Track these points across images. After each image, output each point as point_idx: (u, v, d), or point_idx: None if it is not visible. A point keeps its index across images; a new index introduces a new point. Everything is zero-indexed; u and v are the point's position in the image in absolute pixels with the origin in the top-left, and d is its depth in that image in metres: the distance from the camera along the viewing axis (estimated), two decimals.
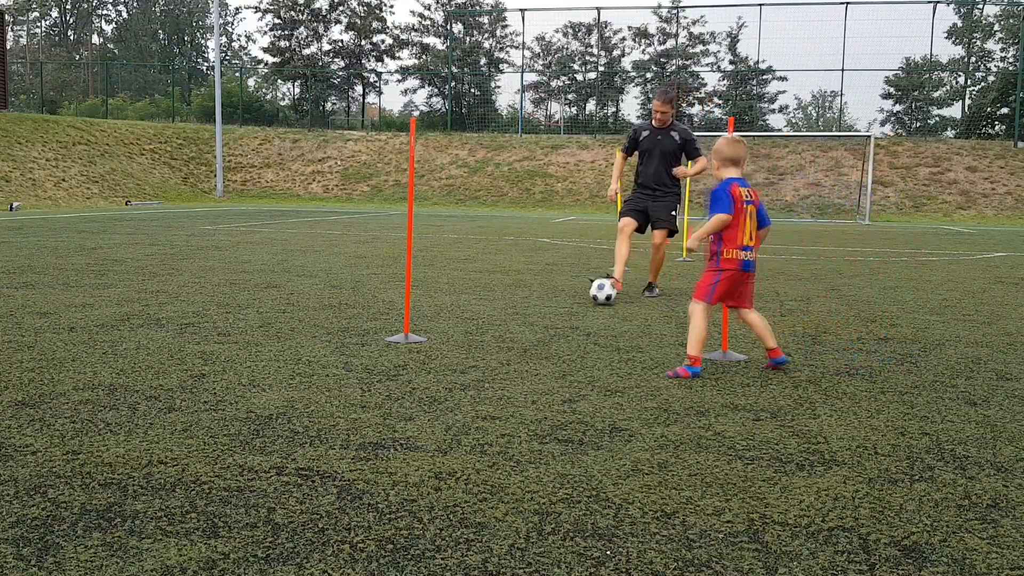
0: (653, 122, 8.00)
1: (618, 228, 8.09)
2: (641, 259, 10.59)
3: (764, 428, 3.59)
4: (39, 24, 77.33)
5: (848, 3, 34.08)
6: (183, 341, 5.17)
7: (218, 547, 2.34)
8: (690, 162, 8.23)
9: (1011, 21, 40.83)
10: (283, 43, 50.43)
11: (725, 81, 42.81)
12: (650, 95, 42.82)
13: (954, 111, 42.17)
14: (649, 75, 43.47)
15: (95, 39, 77.37)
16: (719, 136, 7.60)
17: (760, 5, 35.70)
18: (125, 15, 76.78)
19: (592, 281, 7.08)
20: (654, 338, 5.66)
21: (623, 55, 45.86)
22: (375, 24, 49.54)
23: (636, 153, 8.17)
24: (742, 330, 6.01)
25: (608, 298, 6.98)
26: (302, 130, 39.55)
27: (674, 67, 43.61)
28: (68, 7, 76.07)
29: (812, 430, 3.58)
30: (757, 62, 40.60)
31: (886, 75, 42.43)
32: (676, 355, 5.09)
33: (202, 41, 76.72)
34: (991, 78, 40.67)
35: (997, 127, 38.38)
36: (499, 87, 46.31)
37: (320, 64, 49.26)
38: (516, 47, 47.10)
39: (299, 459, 3.07)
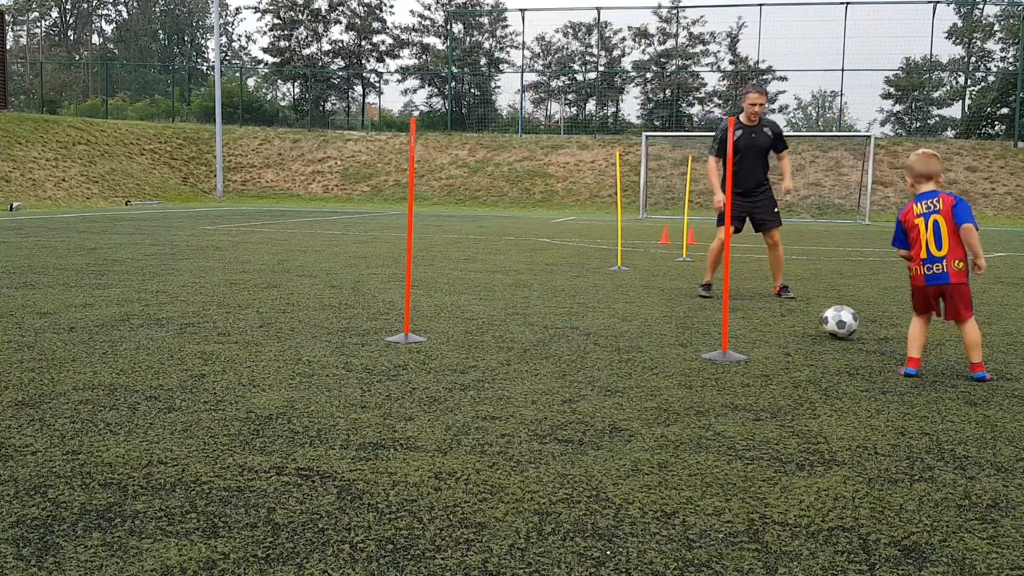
0: (743, 118, 7.66)
1: (718, 236, 7.78)
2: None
3: (764, 428, 3.59)
4: (39, 24, 77.34)
5: (848, 3, 34.08)
6: (183, 341, 5.16)
7: (218, 547, 2.34)
8: (778, 158, 7.94)
9: (1011, 21, 40.83)
10: (283, 43, 50.45)
11: (725, 81, 42.81)
12: (650, 95, 42.85)
13: (954, 111, 42.23)
14: (649, 75, 43.46)
15: (95, 39, 77.40)
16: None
17: (760, 5, 35.69)
18: (125, 15, 76.79)
19: (830, 319, 5.79)
20: (654, 338, 5.65)
21: (623, 55, 45.91)
22: (375, 24, 49.55)
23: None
24: (742, 330, 6.01)
25: (851, 333, 5.79)
26: (302, 130, 39.56)
27: (674, 67, 43.61)
28: (68, 7, 76.06)
29: (812, 430, 3.58)
30: (757, 62, 40.60)
31: (886, 75, 42.50)
32: (676, 355, 5.09)
33: (202, 41, 76.74)
34: (991, 78, 40.68)
35: (997, 127, 38.38)
36: (499, 87, 46.36)
37: (320, 64, 49.27)
38: (516, 47, 47.14)
39: (299, 459, 3.07)
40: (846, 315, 5.73)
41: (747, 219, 7.86)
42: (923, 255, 4.64)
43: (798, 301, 7.59)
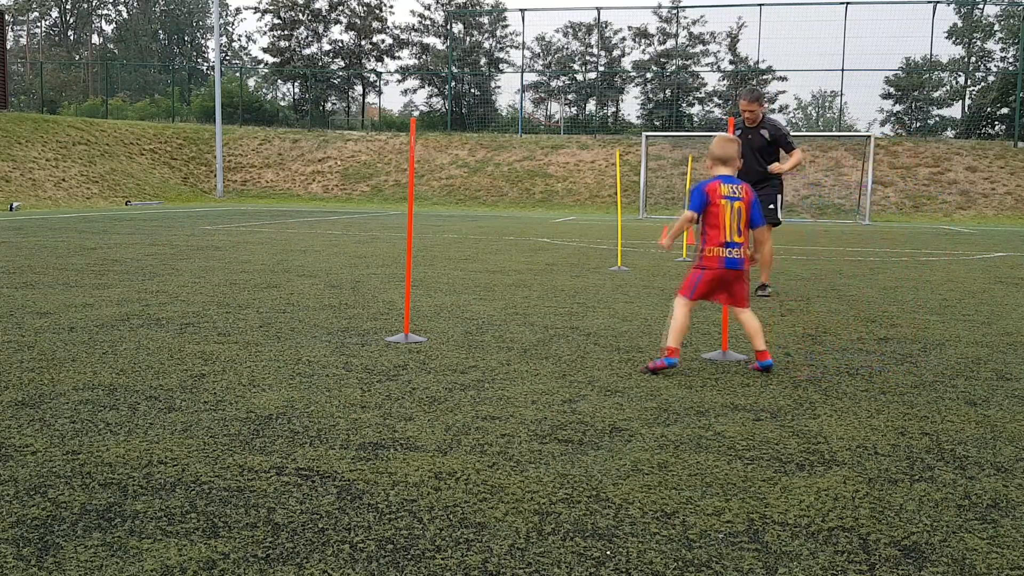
0: (745, 121, 7.93)
1: (769, 240, 7.98)
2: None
3: (764, 428, 3.59)
4: (39, 24, 77.35)
5: (848, 3, 34.08)
6: (183, 341, 5.17)
7: (218, 547, 2.34)
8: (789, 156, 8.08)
9: (1011, 21, 40.84)
10: (283, 43, 50.44)
11: (725, 81, 42.80)
12: (650, 95, 42.85)
13: (954, 111, 42.21)
14: (649, 75, 43.46)
15: (95, 39, 77.39)
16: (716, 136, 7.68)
17: (760, 5, 35.69)
18: (125, 15, 76.79)
19: None
20: (654, 338, 5.65)
21: (623, 55, 45.87)
22: (375, 24, 49.55)
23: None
24: (742, 330, 6.00)
25: None
26: (302, 130, 39.56)
27: (674, 67, 43.61)
28: (68, 7, 76.06)
29: (812, 430, 3.58)
30: (757, 62, 40.61)
31: (886, 75, 42.47)
32: None
33: (202, 41, 76.74)
34: (991, 78, 40.68)
35: (997, 127, 38.39)
36: (499, 87, 46.33)
37: (320, 64, 49.27)
38: (516, 47, 47.13)
39: (299, 459, 3.07)
40: None
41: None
42: (725, 238, 4.65)
43: (798, 301, 7.59)
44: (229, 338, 5.29)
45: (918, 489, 2.91)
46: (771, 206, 7.95)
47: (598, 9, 42.91)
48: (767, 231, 7.95)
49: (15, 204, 22.79)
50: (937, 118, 41.84)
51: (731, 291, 4.75)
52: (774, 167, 7.88)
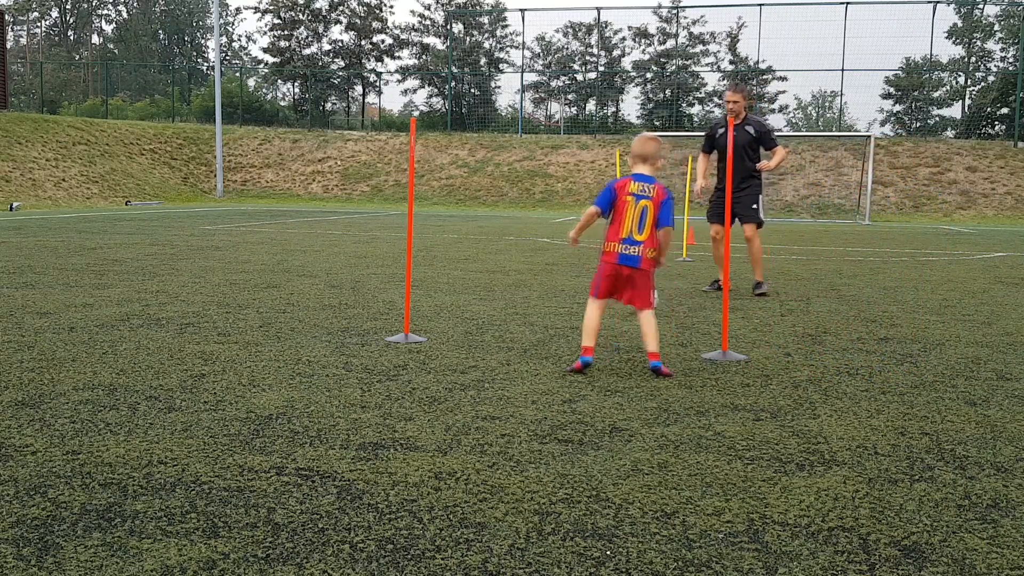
0: (728, 117, 7.92)
1: (711, 236, 8.09)
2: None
3: (764, 428, 3.59)
4: (39, 24, 77.35)
5: (848, 3, 34.08)
6: (183, 341, 5.17)
7: (218, 547, 2.34)
8: (770, 154, 8.14)
9: (1011, 21, 40.84)
10: (283, 43, 50.44)
11: (725, 81, 42.78)
12: (650, 95, 42.84)
13: (954, 111, 42.21)
14: (649, 75, 43.46)
15: (95, 39, 77.40)
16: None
17: (760, 5, 35.69)
18: (125, 15, 76.80)
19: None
20: None
21: (623, 55, 45.86)
22: (375, 24, 49.55)
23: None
24: (742, 330, 6.01)
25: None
26: (302, 130, 39.56)
27: (674, 67, 43.61)
28: (68, 7, 76.06)
29: (812, 430, 3.58)
30: (757, 62, 40.61)
31: (886, 75, 42.45)
32: (676, 355, 5.09)
33: (202, 41, 76.74)
34: (991, 78, 40.68)
35: (997, 127, 38.39)
36: (499, 87, 46.31)
37: (320, 64, 49.26)
38: (516, 47, 47.12)
39: (299, 459, 3.07)
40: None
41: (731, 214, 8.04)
42: (623, 234, 4.65)
43: (798, 301, 7.59)
44: (229, 338, 5.29)
45: (918, 489, 2.91)
46: (753, 206, 8.01)
47: (598, 9, 42.94)
48: (753, 230, 7.98)
49: (15, 204, 22.79)
50: (937, 118, 41.85)
51: (632, 289, 4.70)
52: (762, 165, 7.91)
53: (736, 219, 8.01)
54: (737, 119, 7.91)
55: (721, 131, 7.94)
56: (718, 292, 8.03)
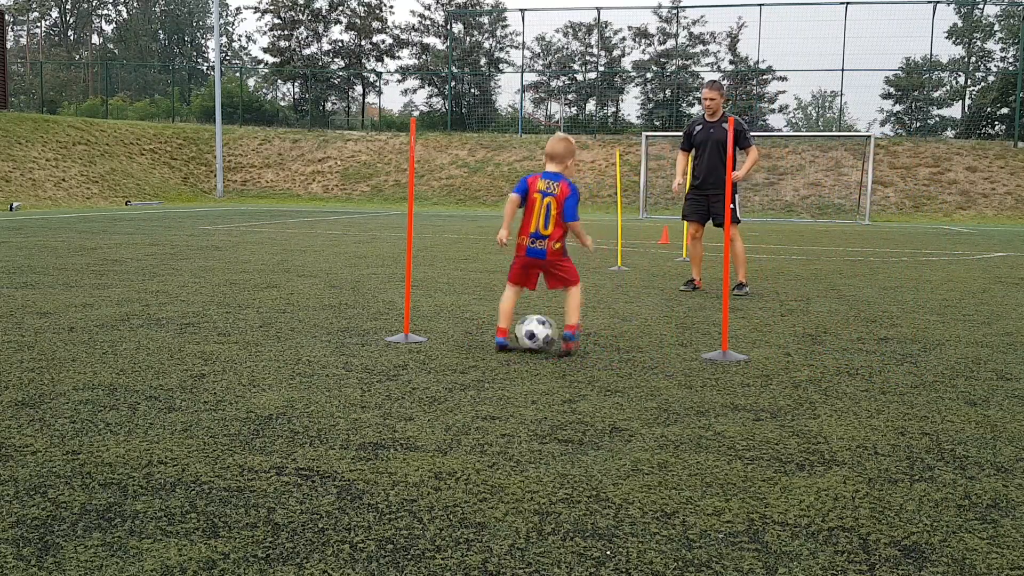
0: (705, 115, 7.99)
1: (688, 234, 8.17)
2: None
3: (764, 428, 3.59)
4: (39, 24, 77.35)
5: (848, 3, 34.08)
6: (183, 341, 5.17)
7: (218, 547, 2.34)
8: (745, 153, 8.15)
9: (1011, 21, 40.84)
10: (283, 43, 50.44)
11: (725, 81, 42.78)
12: (650, 95, 42.84)
13: (954, 111, 42.22)
14: (649, 75, 43.46)
15: (95, 39, 77.40)
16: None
17: (760, 5, 35.69)
18: (125, 15, 76.79)
19: (520, 334, 5.08)
20: (654, 338, 5.66)
21: (623, 55, 45.89)
22: (375, 24, 49.54)
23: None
24: (742, 330, 6.01)
25: (547, 341, 5.03)
26: (302, 130, 39.55)
27: (674, 67, 43.61)
28: (68, 7, 76.06)
29: (812, 430, 3.58)
30: (757, 62, 40.61)
31: (886, 75, 42.47)
32: (676, 355, 5.09)
33: (202, 41, 76.73)
34: (991, 78, 40.69)
35: (997, 127, 38.40)
36: (499, 87, 46.33)
37: (320, 64, 49.26)
38: (516, 47, 47.13)
39: (299, 459, 3.07)
40: (533, 325, 5.01)
41: (707, 213, 8.14)
42: (531, 229, 5.04)
43: (798, 301, 7.59)
44: (229, 338, 5.29)
45: (918, 489, 2.91)
46: (731, 205, 7.99)
47: (598, 9, 42.93)
48: (735, 229, 8.00)
49: (15, 204, 22.79)
50: (937, 118, 41.85)
51: (550, 276, 5.15)
52: (735, 175, 7.81)
53: (713, 219, 8.04)
54: (714, 116, 7.94)
55: (698, 128, 8.00)
56: (695, 291, 8.07)
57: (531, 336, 5.01)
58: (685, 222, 8.49)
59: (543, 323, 5.06)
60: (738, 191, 8.35)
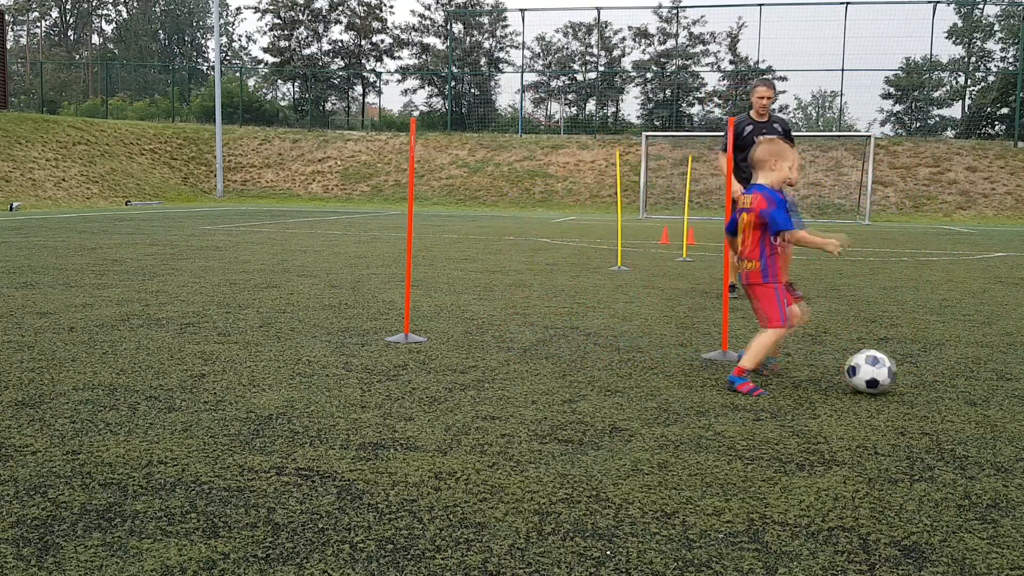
0: (752, 114, 7.72)
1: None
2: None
3: (764, 428, 3.59)
4: (39, 24, 77.34)
5: (848, 3, 34.08)
6: (183, 341, 5.16)
7: (218, 547, 2.34)
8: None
9: (1011, 21, 40.83)
10: (283, 43, 50.43)
11: (725, 81, 42.81)
12: (650, 95, 42.82)
13: (954, 111, 42.21)
14: (649, 75, 43.46)
15: (95, 39, 77.39)
16: (719, 136, 7.65)
17: (760, 5, 35.69)
18: (125, 15, 76.78)
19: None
20: (654, 338, 5.65)
21: (623, 55, 45.87)
22: (375, 24, 49.54)
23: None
24: (742, 330, 6.01)
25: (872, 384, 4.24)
26: (302, 130, 39.55)
27: (674, 67, 43.60)
28: (68, 7, 76.06)
29: (812, 430, 3.58)
30: (757, 62, 40.59)
31: (886, 75, 42.46)
32: (676, 355, 5.09)
33: (202, 41, 76.73)
34: (991, 78, 40.68)
35: (997, 127, 38.39)
36: (499, 87, 46.33)
37: (320, 64, 49.25)
38: (516, 47, 47.12)
39: (299, 459, 3.07)
40: (881, 371, 4.22)
41: None
42: (738, 251, 4.51)
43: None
44: (229, 338, 5.29)
45: (918, 489, 2.91)
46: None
47: (598, 9, 43.00)
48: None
49: (15, 204, 22.79)
50: (937, 118, 41.85)
51: (754, 306, 4.54)
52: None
53: None
54: (763, 115, 7.73)
55: (748, 128, 7.67)
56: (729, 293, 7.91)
57: (872, 384, 4.20)
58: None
59: (875, 362, 4.21)
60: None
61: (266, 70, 51.94)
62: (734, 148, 7.83)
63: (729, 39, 43.17)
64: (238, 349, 4.96)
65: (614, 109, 43.94)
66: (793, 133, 7.96)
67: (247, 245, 12.32)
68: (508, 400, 3.96)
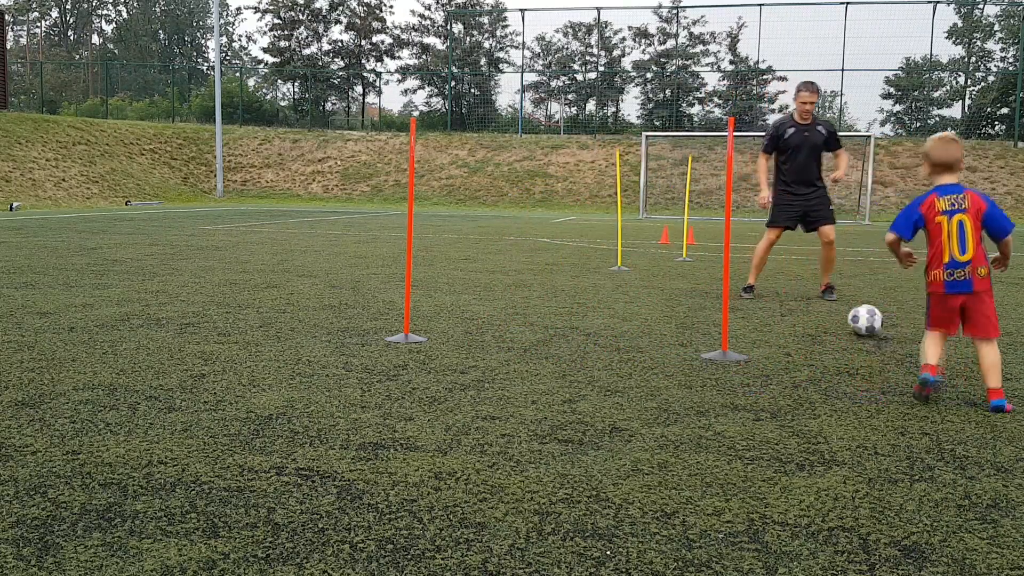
0: (796, 117, 7.71)
1: (766, 235, 7.84)
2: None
3: (764, 428, 3.59)
4: (39, 24, 77.35)
5: (848, 3, 34.07)
6: (183, 341, 5.17)
7: (218, 547, 2.34)
8: (834, 156, 7.93)
9: (1011, 21, 40.84)
10: (283, 43, 50.44)
11: (725, 81, 42.81)
12: (650, 95, 42.83)
13: (954, 111, 42.22)
14: (649, 75, 43.46)
15: (95, 39, 77.39)
16: (719, 136, 7.61)
17: (760, 5, 35.68)
18: (125, 15, 76.78)
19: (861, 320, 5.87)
20: (654, 338, 5.65)
21: (623, 55, 45.88)
22: (375, 24, 49.55)
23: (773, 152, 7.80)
24: (742, 330, 6.01)
25: (869, 329, 5.85)
26: (302, 130, 39.55)
27: (674, 67, 43.60)
28: (68, 7, 76.06)
29: (812, 430, 3.58)
30: (757, 62, 40.59)
31: (886, 75, 42.46)
32: (676, 355, 5.09)
33: (202, 41, 76.72)
34: (991, 78, 40.69)
35: (997, 127, 38.39)
36: (499, 87, 46.33)
37: (320, 64, 49.26)
38: (516, 47, 47.13)
39: (299, 459, 3.07)
40: (876, 320, 5.86)
41: (802, 217, 7.82)
42: (946, 259, 4.07)
43: (798, 301, 7.59)
44: (229, 338, 5.29)
45: (918, 489, 2.91)
46: (831, 207, 7.85)
47: (598, 9, 42.96)
48: (834, 231, 7.77)
49: (15, 204, 22.79)
50: (937, 118, 41.85)
51: (970, 316, 4.18)
52: (836, 175, 7.69)
53: (814, 222, 7.74)
54: (806, 118, 7.67)
55: (791, 131, 7.64)
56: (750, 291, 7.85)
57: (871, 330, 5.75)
58: (767, 228, 7.92)
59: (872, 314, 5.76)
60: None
61: (266, 70, 51.95)
62: (775, 150, 7.83)
63: (729, 39, 43.17)
64: (238, 349, 4.96)
65: (614, 109, 43.95)
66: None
67: (247, 245, 12.32)
68: (508, 400, 3.96)
